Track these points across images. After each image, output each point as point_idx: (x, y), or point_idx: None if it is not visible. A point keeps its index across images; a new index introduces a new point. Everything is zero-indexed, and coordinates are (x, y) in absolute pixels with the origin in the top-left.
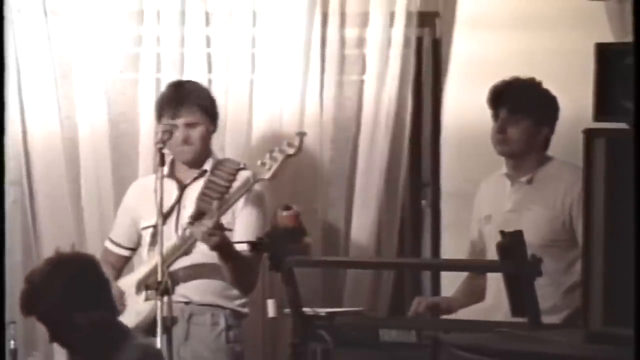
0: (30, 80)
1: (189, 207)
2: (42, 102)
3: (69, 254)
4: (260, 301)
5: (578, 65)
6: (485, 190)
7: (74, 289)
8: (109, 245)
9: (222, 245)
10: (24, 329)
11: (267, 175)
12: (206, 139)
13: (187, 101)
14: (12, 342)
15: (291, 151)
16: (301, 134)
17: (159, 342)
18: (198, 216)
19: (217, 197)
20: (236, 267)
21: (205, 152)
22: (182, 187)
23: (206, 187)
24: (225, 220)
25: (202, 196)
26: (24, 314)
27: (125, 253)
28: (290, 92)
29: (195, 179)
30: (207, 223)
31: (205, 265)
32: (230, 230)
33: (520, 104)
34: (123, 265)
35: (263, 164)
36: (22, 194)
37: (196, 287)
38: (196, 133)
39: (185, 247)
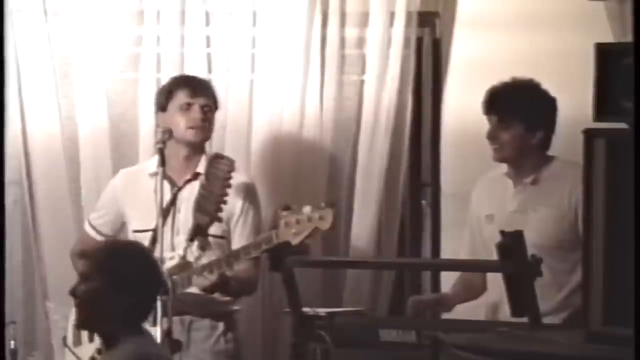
0: (30, 80)
1: (183, 210)
2: (42, 102)
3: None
4: (260, 301)
5: (578, 65)
6: (485, 188)
7: (125, 275)
8: (89, 230)
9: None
10: (24, 329)
11: (295, 241)
12: (212, 129)
13: (205, 85)
14: (12, 342)
15: (324, 227)
16: (332, 207)
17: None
18: (196, 231)
19: (215, 208)
20: (235, 293)
21: (204, 144)
22: (176, 190)
23: (201, 195)
24: (220, 229)
25: (199, 206)
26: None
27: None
28: (290, 92)
29: (189, 181)
30: (212, 278)
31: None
32: (224, 237)
33: (509, 110)
34: None
35: (287, 224)
36: (22, 194)
37: (192, 302)
38: (210, 117)
39: (190, 274)
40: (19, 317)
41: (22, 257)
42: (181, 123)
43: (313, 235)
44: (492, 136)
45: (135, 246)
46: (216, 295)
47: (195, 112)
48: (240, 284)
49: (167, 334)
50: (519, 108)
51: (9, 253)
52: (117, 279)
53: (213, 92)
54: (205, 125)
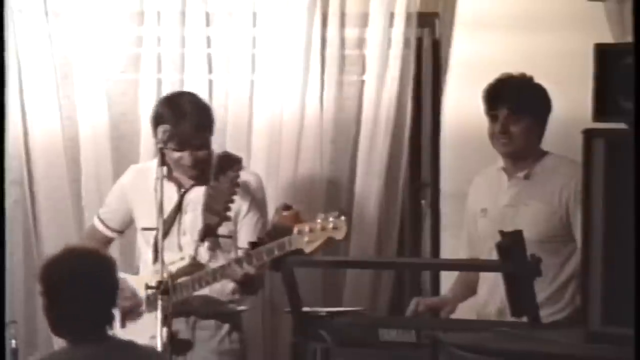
0: (31, 81)
1: (190, 212)
2: (43, 103)
3: (88, 248)
4: (260, 301)
5: (578, 65)
6: (481, 183)
7: (81, 283)
8: (97, 224)
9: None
10: (25, 328)
11: (308, 249)
12: (209, 159)
13: (193, 130)
14: (12, 342)
15: (338, 236)
16: (346, 215)
17: (159, 344)
18: (206, 231)
19: (223, 208)
20: (248, 287)
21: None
22: (182, 193)
23: (210, 195)
24: (227, 228)
25: (207, 207)
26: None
27: (113, 235)
28: (290, 92)
29: (196, 184)
30: (249, 269)
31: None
32: (231, 237)
33: (521, 102)
34: (108, 245)
35: (300, 232)
36: (23, 194)
37: (199, 303)
38: (202, 155)
39: (201, 278)
40: (19, 317)
41: (22, 257)
42: (176, 170)
43: (325, 244)
44: (502, 129)
45: (87, 256)
46: (222, 296)
47: (186, 161)
48: (259, 281)
49: (172, 336)
50: (527, 100)
51: (10, 253)
52: (57, 288)
53: (204, 132)
54: (200, 163)
